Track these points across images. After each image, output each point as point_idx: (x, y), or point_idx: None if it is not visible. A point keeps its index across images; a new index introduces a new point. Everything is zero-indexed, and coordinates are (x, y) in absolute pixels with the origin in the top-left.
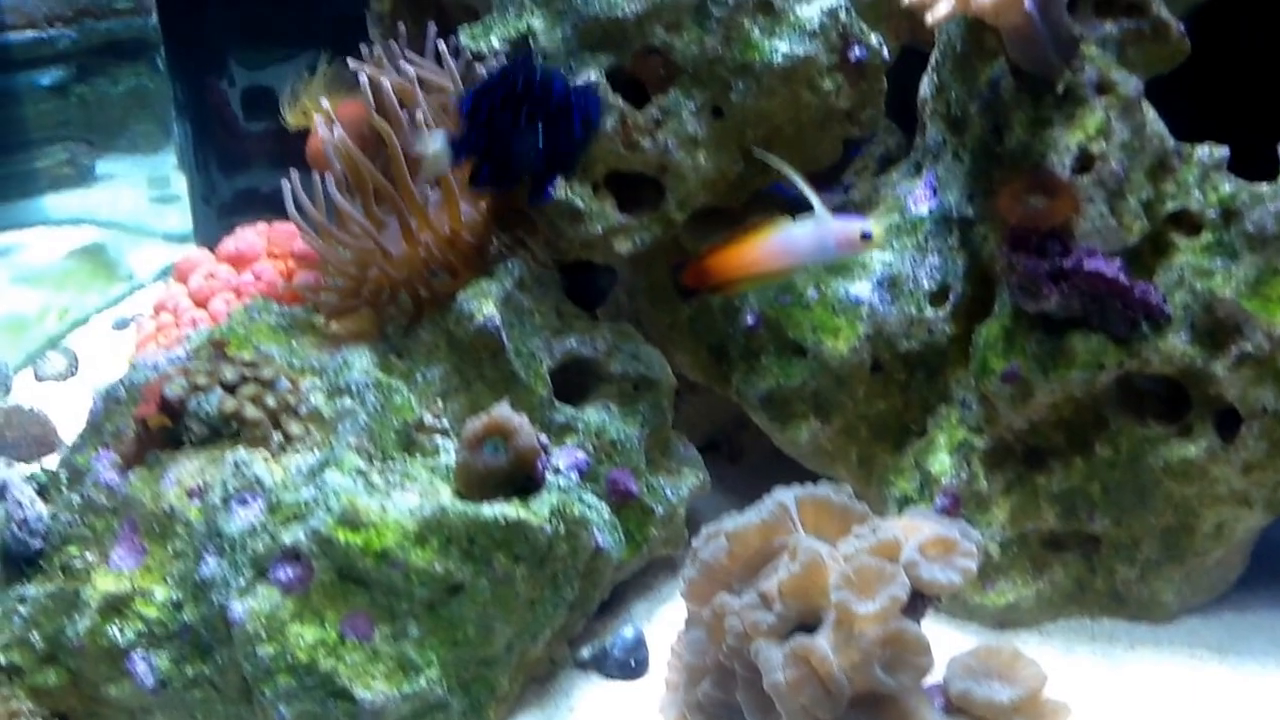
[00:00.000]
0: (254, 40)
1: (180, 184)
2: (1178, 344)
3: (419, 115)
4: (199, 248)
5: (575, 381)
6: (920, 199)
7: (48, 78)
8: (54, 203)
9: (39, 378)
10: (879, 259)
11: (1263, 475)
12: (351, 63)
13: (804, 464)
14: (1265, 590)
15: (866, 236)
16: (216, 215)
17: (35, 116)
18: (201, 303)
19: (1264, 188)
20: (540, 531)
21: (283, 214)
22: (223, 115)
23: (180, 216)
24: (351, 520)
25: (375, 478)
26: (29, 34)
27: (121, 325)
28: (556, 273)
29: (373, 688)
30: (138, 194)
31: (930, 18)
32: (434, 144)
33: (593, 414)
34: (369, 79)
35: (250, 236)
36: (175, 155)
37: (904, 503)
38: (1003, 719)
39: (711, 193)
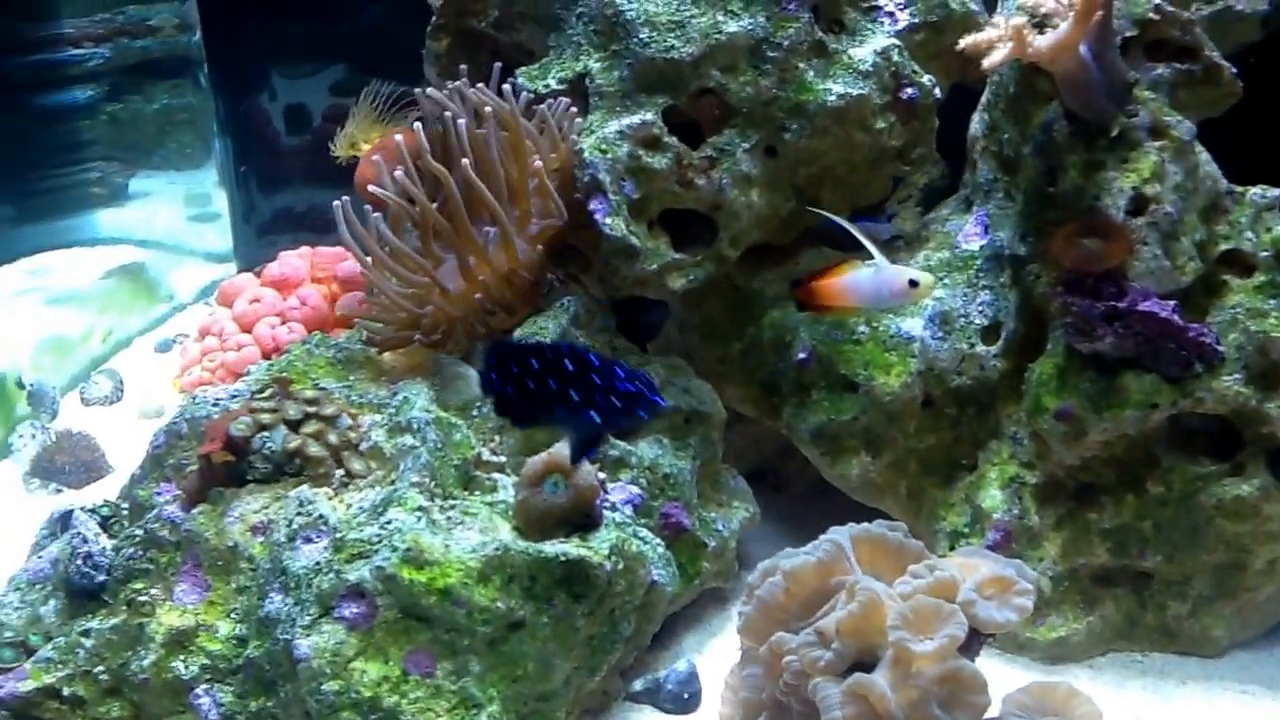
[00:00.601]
0: (295, 57)
1: (220, 201)
2: (1231, 384)
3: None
4: (240, 269)
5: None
6: (971, 236)
7: (84, 95)
8: (89, 222)
9: (86, 402)
10: (930, 295)
11: None
12: (419, 95)
13: (852, 496)
14: None
15: (914, 284)
16: (256, 234)
17: (70, 134)
18: (246, 327)
19: None
20: (600, 569)
21: (322, 232)
22: (264, 133)
23: (219, 235)
24: (416, 558)
25: (437, 515)
26: (64, 53)
27: (164, 348)
28: (609, 308)
29: None
30: (175, 212)
31: (987, 63)
32: (469, 387)
33: (645, 449)
34: (444, 116)
35: (294, 260)
36: (216, 172)
37: (954, 537)
38: None
39: (764, 230)
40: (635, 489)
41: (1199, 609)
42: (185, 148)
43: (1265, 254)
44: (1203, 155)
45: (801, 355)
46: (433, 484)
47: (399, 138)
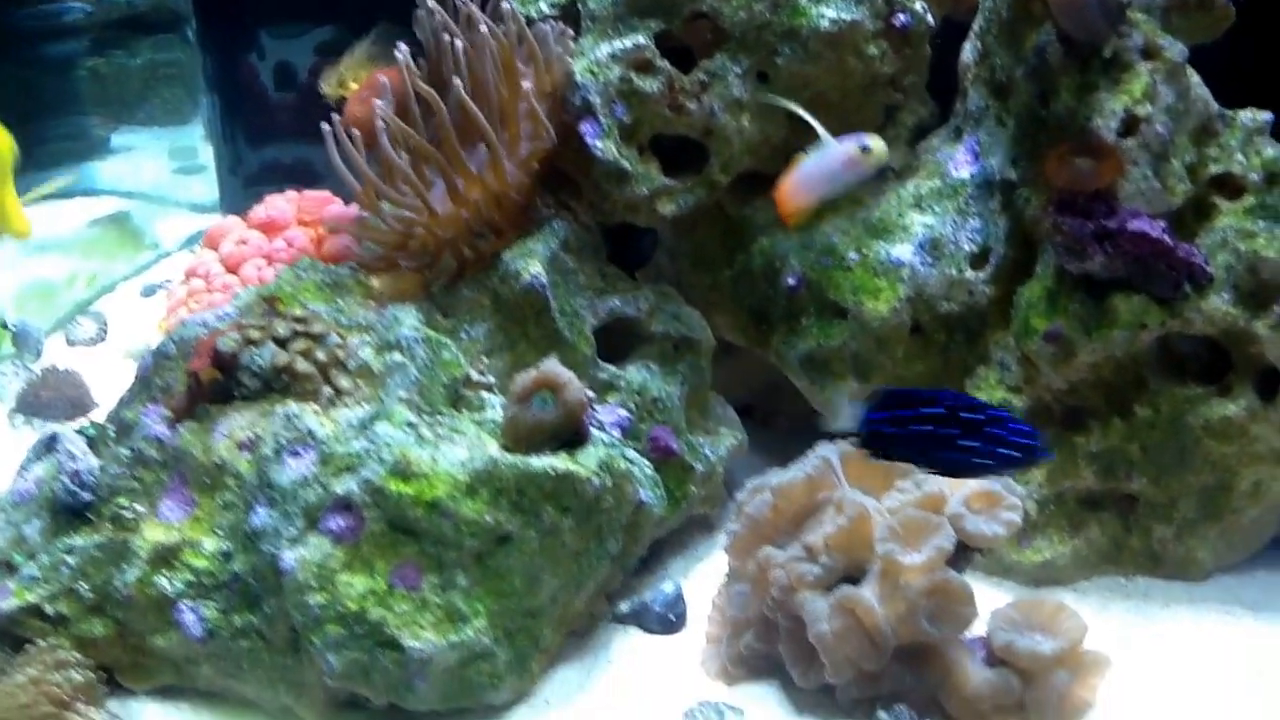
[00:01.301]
0: (284, 14)
1: (206, 155)
2: (1220, 304)
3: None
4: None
5: (617, 341)
6: (961, 163)
7: (69, 49)
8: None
9: (70, 342)
10: (920, 221)
11: None
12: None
13: None
14: None
15: (866, 150)
16: (243, 185)
17: (54, 89)
18: (233, 268)
19: None
20: (588, 484)
21: (307, 185)
22: (252, 88)
23: (205, 187)
24: (403, 471)
25: (425, 431)
26: (49, 5)
27: (149, 292)
28: (600, 234)
29: (421, 637)
30: (160, 165)
31: None
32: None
33: (634, 373)
34: (439, 32)
35: (280, 204)
36: (203, 127)
37: None
38: (1045, 670)
39: (755, 157)
40: (624, 412)
41: (1184, 532)
42: (172, 102)
43: (1255, 177)
44: (1194, 78)
45: (791, 282)
46: (421, 401)
47: (383, 78)
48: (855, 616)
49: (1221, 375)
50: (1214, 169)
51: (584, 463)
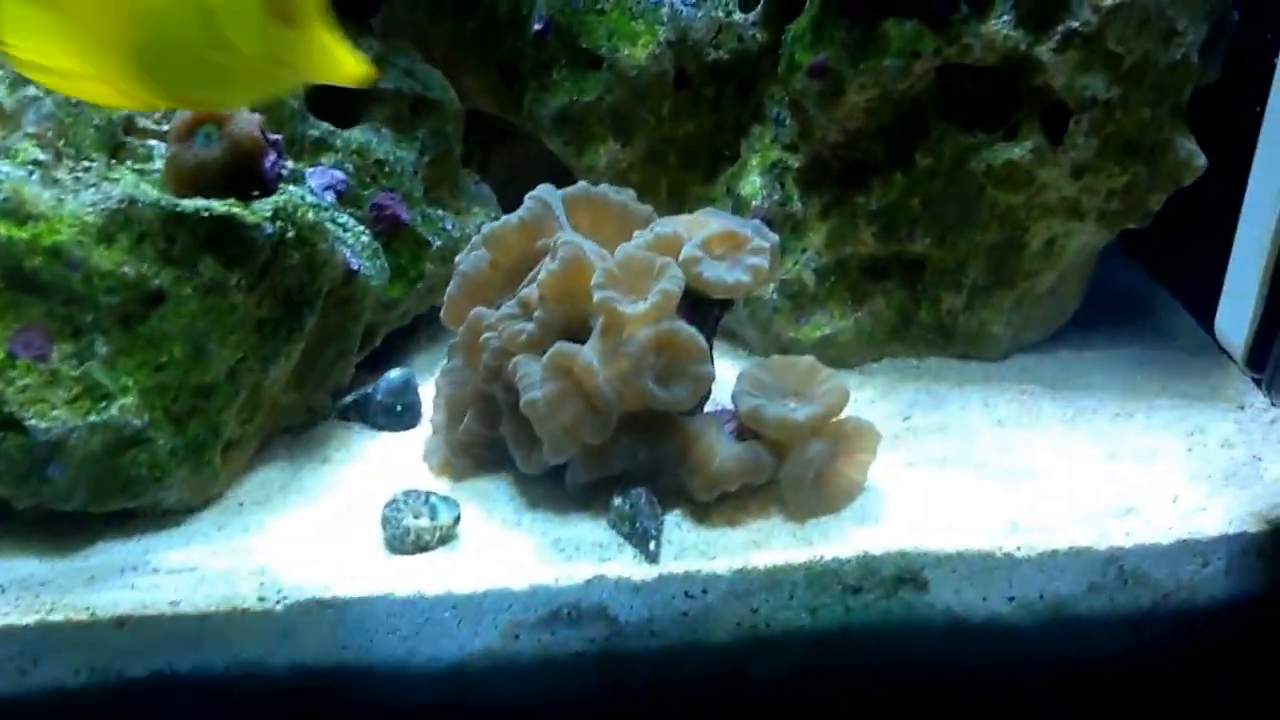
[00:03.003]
0: None
1: None
2: (1000, 26)
3: None
4: None
5: (340, 102)
6: None
7: None
8: None
9: None
10: None
11: (1094, 180)
12: None
13: None
14: (1104, 329)
15: None
16: None
17: None
18: None
19: None
20: (258, 230)
21: None
22: None
23: None
24: (16, 211)
25: (62, 175)
26: None
27: None
28: None
29: (49, 416)
30: None
31: None
32: None
33: (357, 133)
34: None
35: None
36: None
37: None
38: (799, 440)
39: None
40: (339, 173)
41: (975, 301)
42: None
43: None
44: None
45: (538, 27)
46: (60, 142)
47: None
48: (573, 378)
49: (1009, 116)
50: None
51: (254, 208)
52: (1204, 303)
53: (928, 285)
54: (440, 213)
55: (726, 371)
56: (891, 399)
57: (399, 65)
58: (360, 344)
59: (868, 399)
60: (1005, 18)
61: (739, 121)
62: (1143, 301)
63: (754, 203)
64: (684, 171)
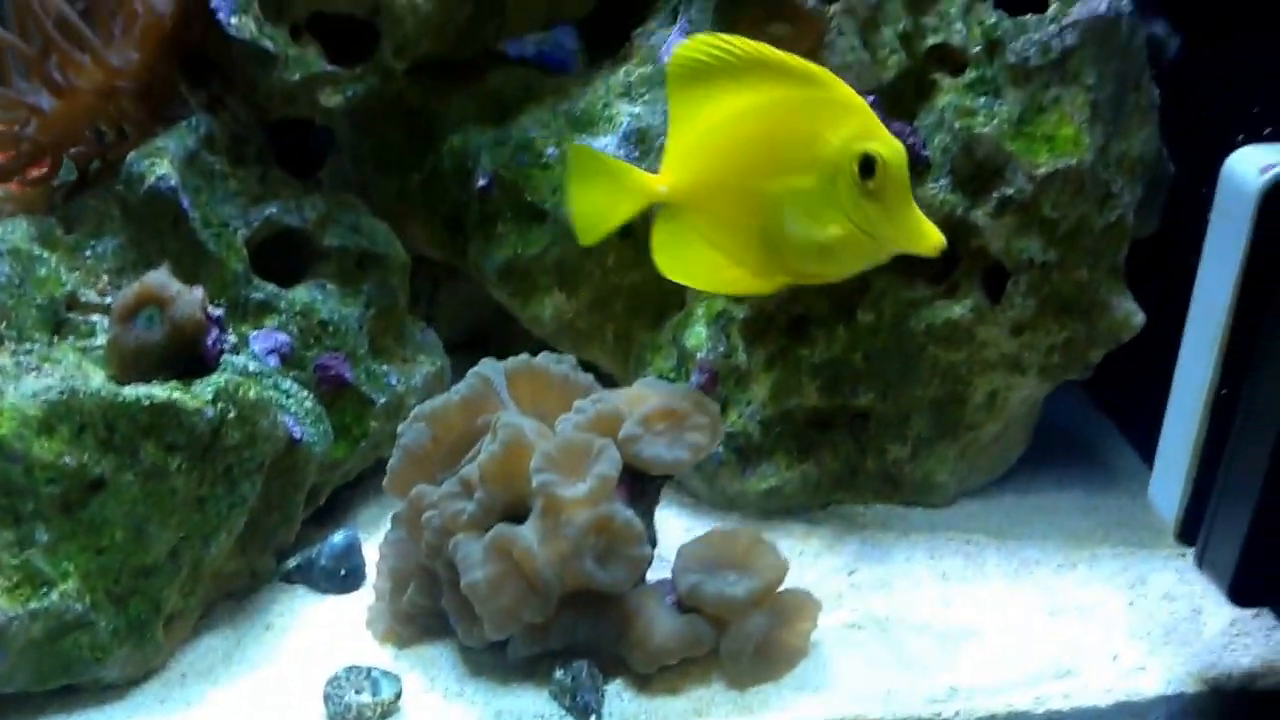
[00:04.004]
0: None
1: None
2: (937, 190)
3: None
4: None
5: (287, 259)
6: (674, 46)
7: None
8: None
9: None
10: (627, 111)
11: (1034, 337)
12: None
13: (556, 346)
14: (1050, 470)
15: None
16: None
17: None
18: None
19: (1030, 17)
20: (199, 415)
21: None
22: None
23: None
24: None
25: (4, 360)
26: None
27: None
28: (262, 134)
29: None
30: None
31: None
32: None
33: (302, 293)
34: None
35: None
36: None
37: None
38: (739, 616)
39: (438, 39)
40: (283, 336)
41: (920, 451)
42: None
43: (976, 48)
44: None
45: (482, 183)
46: (3, 324)
47: None
48: (513, 560)
49: (950, 271)
50: (932, 39)
51: (195, 392)
52: (1149, 441)
53: (873, 437)
54: (385, 368)
55: (672, 521)
56: (837, 550)
57: (345, 221)
58: (305, 503)
59: (814, 551)
60: (942, 181)
61: None
62: (1090, 439)
63: (699, 354)
64: (630, 319)
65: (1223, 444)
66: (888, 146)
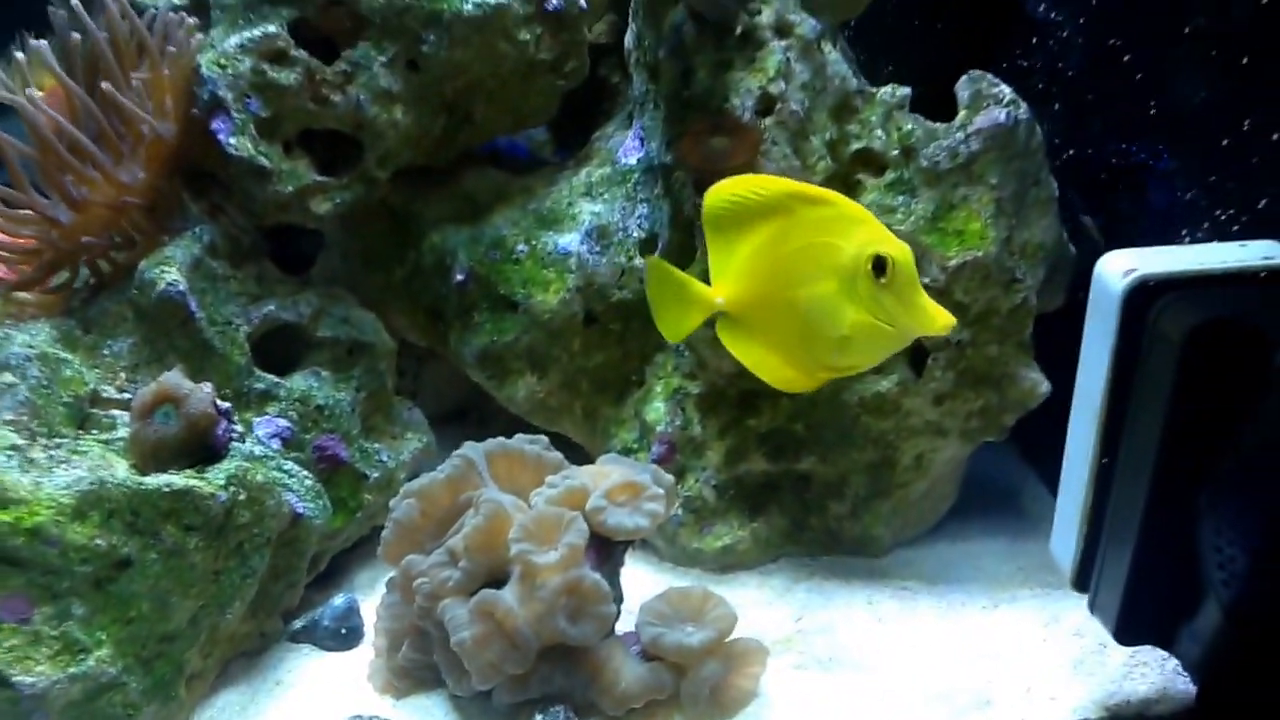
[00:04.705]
0: None
1: None
2: None
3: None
4: None
5: (284, 351)
6: (630, 149)
7: None
8: None
9: None
10: (589, 210)
11: (954, 405)
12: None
13: (531, 421)
14: (977, 520)
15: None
16: None
17: None
18: None
19: (940, 125)
20: (213, 499)
21: None
22: None
23: None
24: (1, 498)
25: (37, 454)
26: None
27: None
28: (258, 237)
29: (34, 671)
30: None
31: None
32: None
33: (299, 380)
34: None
35: None
36: None
37: (625, 453)
38: (696, 663)
39: (416, 149)
40: (284, 421)
41: (858, 509)
42: None
43: (895, 152)
44: (831, 54)
45: (460, 277)
46: (34, 422)
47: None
48: (495, 620)
49: None
50: (856, 145)
51: (209, 478)
52: None
53: (816, 496)
54: (376, 446)
55: (640, 576)
56: (786, 599)
57: (336, 314)
58: (307, 569)
59: (765, 600)
60: None
61: (644, 351)
62: (1014, 489)
63: (659, 427)
64: (596, 396)
65: (1105, 507)
66: (895, 247)
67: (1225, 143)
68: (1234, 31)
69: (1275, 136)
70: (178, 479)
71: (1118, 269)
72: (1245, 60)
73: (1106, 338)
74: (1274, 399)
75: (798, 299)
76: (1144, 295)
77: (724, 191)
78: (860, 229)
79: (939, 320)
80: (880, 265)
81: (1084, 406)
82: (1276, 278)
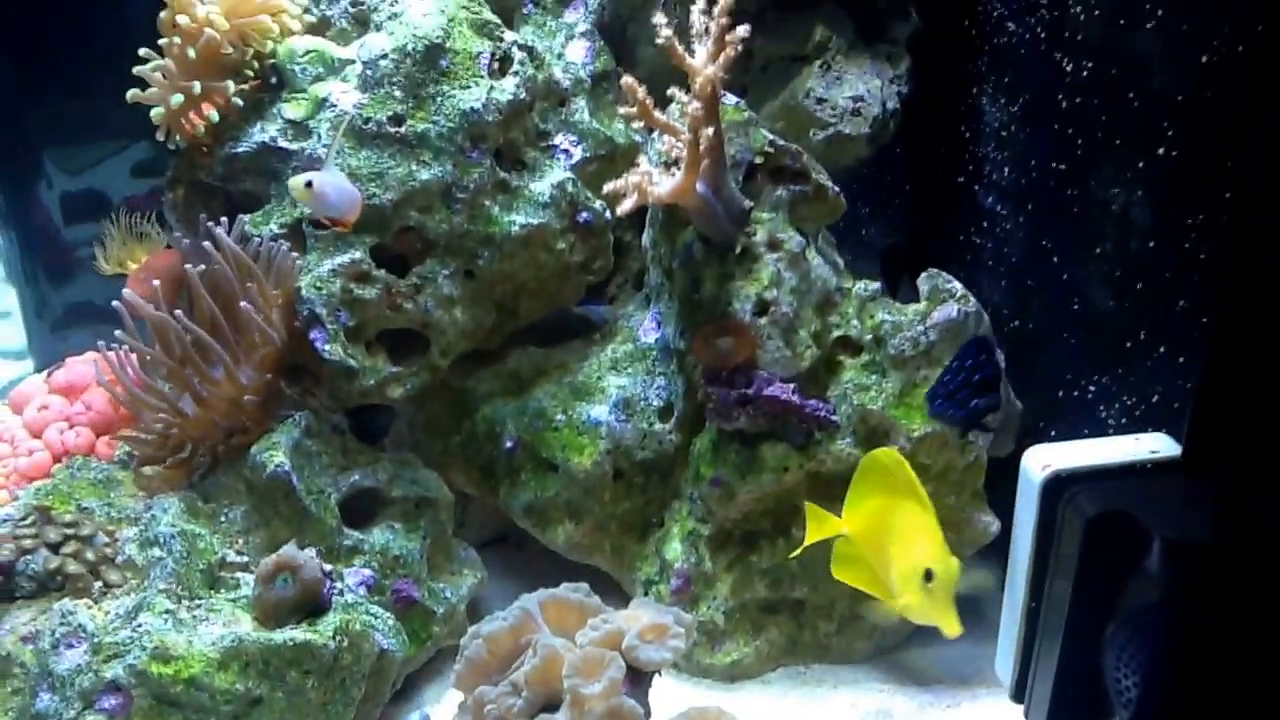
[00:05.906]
0: (70, 138)
1: (9, 298)
2: (844, 447)
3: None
4: (37, 367)
5: (364, 507)
6: (649, 329)
7: None
8: None
9: None
10: (615, 383)
11: None
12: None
13: (568, 557)
14: None
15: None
16: (50, 330)
17: None
18: (36, 433)
19: (905, 317)
20: (325, 649)
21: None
22: (44, 224)
23: (13, 331)
24: (162, 655)
25: (184, 614)
26: None
27: None
28: (343, 416)
29: None
30: None
31: (619, 209)
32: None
33: (378, 535)
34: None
35: (79, 368)
36: (3, 267)
37: (647, 585)
38: None
39: (471, 339)
40: (368, 571)
41: (843, 627)
42: None
43: (868, 338)
44: (815, 260)
45: (509, 444)
46: (179, 588)
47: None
48: None
49: None
50: (836, 333)
51: (321, 630)
52: None
53: (808, 617)
54: (441, 585)
55: (664, 686)
56: (783, 703)
57: (406, 476)
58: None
59: (765, 705)
60: (847, 440)
61: (663, 499)
62: (978, 601)
63: (676, 564)
64: (623, 536)
65: (1034, 639)
66: (942, 564)
67: (1128, 345)
68: (1132, 254)
69: (1161, 349)
70: (298, 634)
71: (1037, 463)
72: (1139, 286)
73: (1030, 516)
74: (1150, 570)
75: (885, 563)
76: (1057, 485)
77: (886, 455)
78: (926, 542)
79: (951, 627)
80: (929, 574)
81: (1017, 561)
82: (1159, 469)
